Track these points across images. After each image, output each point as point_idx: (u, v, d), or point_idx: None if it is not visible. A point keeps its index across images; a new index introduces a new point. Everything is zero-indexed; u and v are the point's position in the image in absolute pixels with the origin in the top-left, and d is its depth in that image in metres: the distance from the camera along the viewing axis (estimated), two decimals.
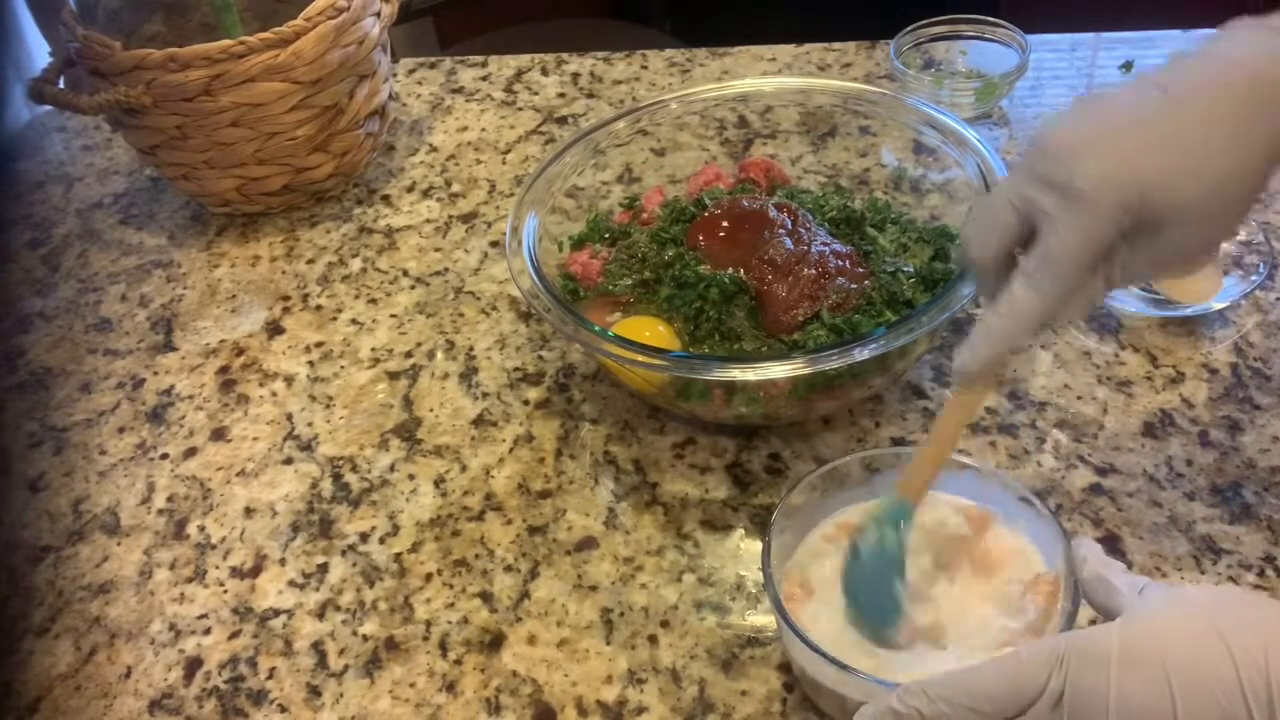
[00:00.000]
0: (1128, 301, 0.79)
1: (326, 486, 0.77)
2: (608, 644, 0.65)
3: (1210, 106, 0.50)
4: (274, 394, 0.85)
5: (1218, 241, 0.52)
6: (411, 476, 0.77)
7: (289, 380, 0.86)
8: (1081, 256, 0.50)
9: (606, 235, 0.83)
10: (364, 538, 0.73)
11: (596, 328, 0.69)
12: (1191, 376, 0.75)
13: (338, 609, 0.69)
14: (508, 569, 0.70)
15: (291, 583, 0.71)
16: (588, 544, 0.70)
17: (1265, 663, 0.41)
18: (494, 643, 0.66)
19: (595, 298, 0.78)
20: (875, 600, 0.56)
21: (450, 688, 0.64)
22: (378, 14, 0.99)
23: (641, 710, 0.61)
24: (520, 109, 1.12)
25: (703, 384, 0.70)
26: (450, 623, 0.67)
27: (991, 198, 0.54)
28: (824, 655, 0.53)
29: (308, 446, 0.80)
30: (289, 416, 0.83)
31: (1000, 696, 0.45)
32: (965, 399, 0.57)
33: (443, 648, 0.66)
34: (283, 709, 0.64)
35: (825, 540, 0.61)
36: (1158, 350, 0.77)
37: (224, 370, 0.87)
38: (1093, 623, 0.48)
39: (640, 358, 0.67)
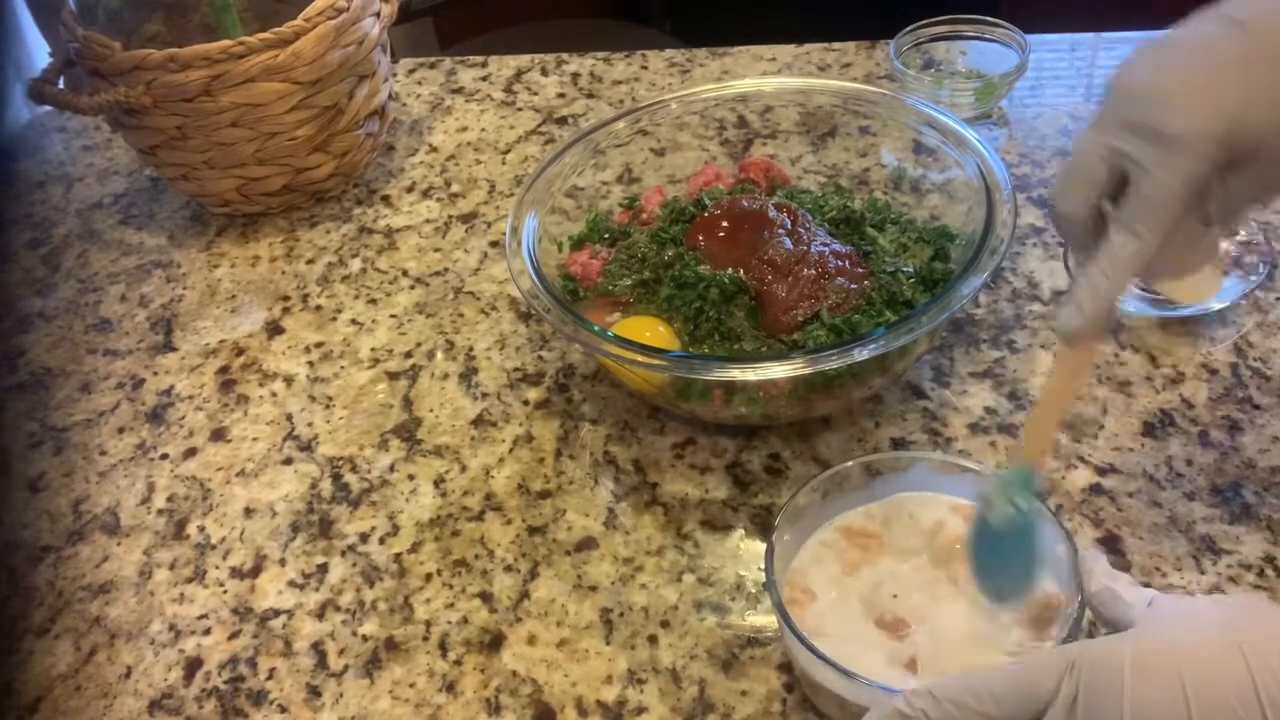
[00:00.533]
0: (1128, 301, 0.79)
1: (326, 487, 0.77)
2: (607, 644, 0.65)
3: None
4: (274, 394, 0.85)
5: None
6: (411, 477, 0.77)
7: (289, 380, 0.86)
8: (1179, 198, 0.50)
9: (606, 235, 0.83)
10: (364, 538, 0.73)
11: (596, 328, 0.69)
12: (1191, 376, 0.75)
13: (337, 609, 0.69)
14: (507, 569, 0.70)
15: (291, 583, 0.71)
16: (588, 544, 0.70)
17: None
18: (494, 643, 0.66)
19: (595, 298, 0.78)
20: (1010, 567, 0.56)
21: (450, 688, 0.64)
22: (377, 14, 0.99)
23: (641, 710, 0.61)
24: (520, 109, 1.12)
25: (703, 384, 0.70)
26: (450, 623, 0.67)
27: (1077, 151, 0.53)
28: (825, 660, 0.53)
29: (307, 447, 0.80)
30: (289, 417, 0.83)
31: (1009, 701, 0.45)
32: (1077, 356, 0.56)
33: (442, 648, 0.66)
34: (282, 709, 0.64)
35: (824, 546, 0.61)
36: (1158, 350, 0.77)
37: (224, 370, 0.87)
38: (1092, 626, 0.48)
39: (640, 358, 0.67)
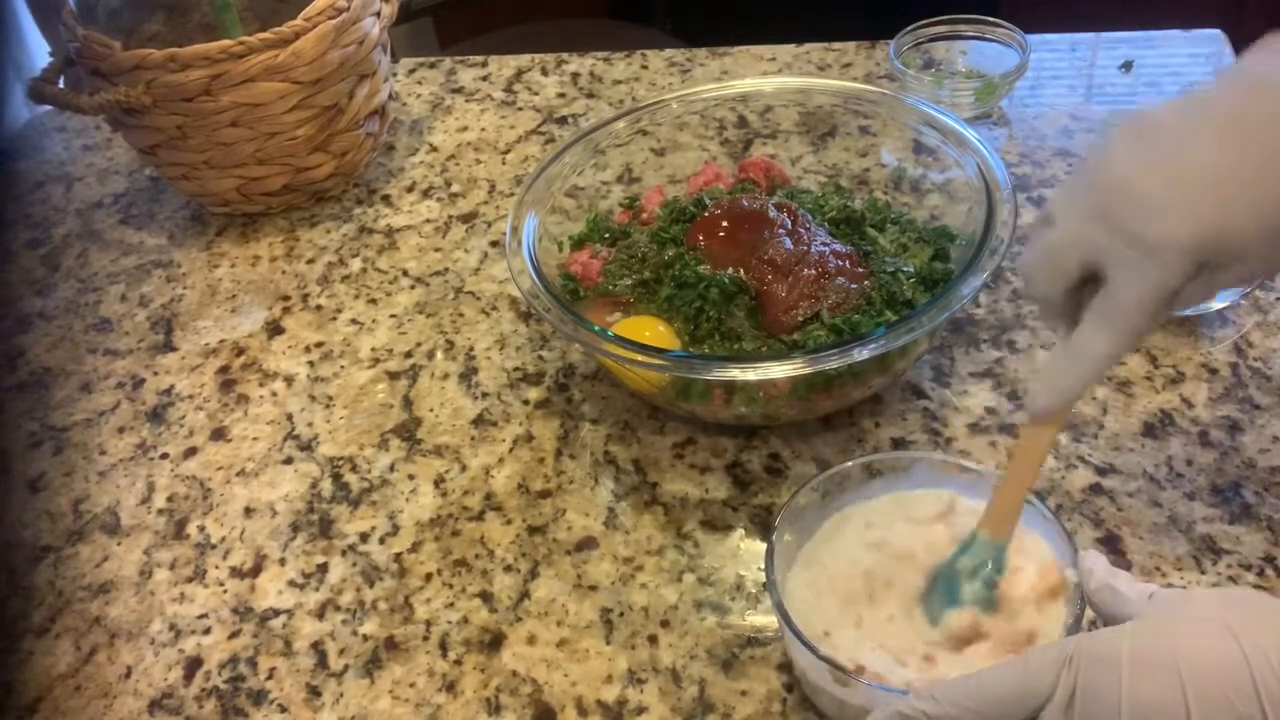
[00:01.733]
0: None
1: (326, 486, 0.77)
2: (608, 644, 0.65)
3: (1273, 144, 0.49)
4: (274, 394, 0.85)
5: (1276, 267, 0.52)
6: (411, 476, 0.77)
7: (289, 380, 0.86)
8: (1154, 304, 0.50)
9: (606, 235, 0.83)
10: (364, 538, 0.73)
11: (596, 328, 0.69)
12: (1191, 376, 0.75)
13: (338, 609, 0.69)
14: (507, 569, 0.70)
15: (291, 583, 0.71)
16: (588, 544, 0.70)
17: (1279, 663, 0.41)
18: (494, 643, 0.66)
19: (595, 298, 0.78)
20: (952, 602, 0.57)
21: (450, 688, 0.64)
22: (377, 14, 0.99)
23: (641, 710, 0.61)
24: (520, 109, 1.12)
25: (703, 384, 0.70)
26: (450, 623, 0.67)
27: (1054, 236, 0.53)
28: (827, 661, 0.53)
29: (308, 446, 0.80)
30: (289, 416, 0.83)
31: (1008, 698, 0.45)
32: (1042, 432, 0.56)
33: (443, 648, 0.66)
34: (282, 709, 0.64)
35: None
36: (1158, 350, 0.77)
37: (224, 370, 0.87)
38: (1093, 626, 0.48)
39: (640, 358, 0.67)
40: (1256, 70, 0.51)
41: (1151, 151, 0.51)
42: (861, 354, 0.64)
